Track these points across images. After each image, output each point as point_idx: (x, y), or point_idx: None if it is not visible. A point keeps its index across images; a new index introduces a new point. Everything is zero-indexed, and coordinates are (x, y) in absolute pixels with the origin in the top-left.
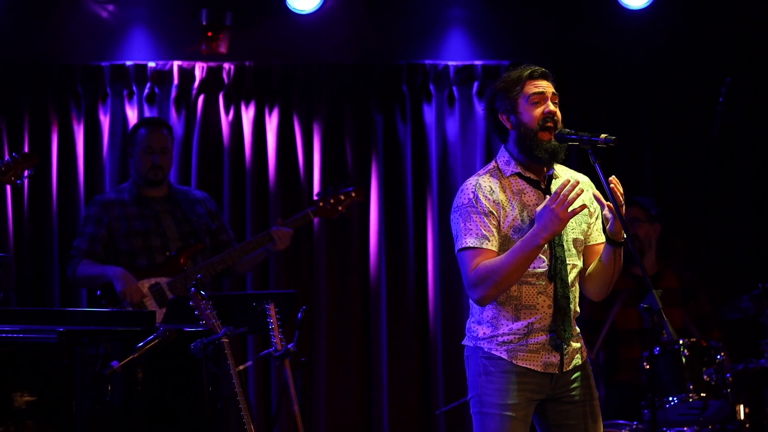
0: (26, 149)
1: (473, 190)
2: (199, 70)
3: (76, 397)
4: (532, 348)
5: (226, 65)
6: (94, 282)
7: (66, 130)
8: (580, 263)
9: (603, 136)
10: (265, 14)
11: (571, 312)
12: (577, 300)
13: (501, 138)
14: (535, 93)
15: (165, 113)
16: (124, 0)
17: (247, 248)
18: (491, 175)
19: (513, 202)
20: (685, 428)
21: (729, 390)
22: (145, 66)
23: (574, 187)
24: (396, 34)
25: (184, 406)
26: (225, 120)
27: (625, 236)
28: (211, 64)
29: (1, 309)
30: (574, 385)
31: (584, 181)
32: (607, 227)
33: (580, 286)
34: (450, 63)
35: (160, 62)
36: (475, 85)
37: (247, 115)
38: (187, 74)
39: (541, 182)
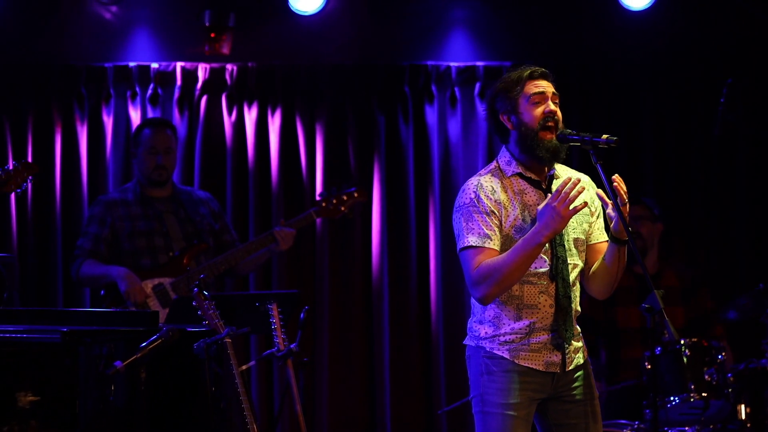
0: (30, 150)
1: (475, 189)
2: (202, 71)
3: (79, 397)
4: (533, 347)
5: (228, 66)
6: (98, 282)
7: (69, 130)
8: (581, 263)
9: (604, 136)
10: (268, 15)
11: (573, 311)
12: (579, 299)
13: (502, 138)
14: (535, 93)
15: (168, 114)
16: (128, 1)
17: (250, 248)
18: (493, 175)
19: (514, 202)
20: (687, 428)
21: (730, 390)
22: (148, 67)
23: (575, 185)
24: (398, 35)
25: (187, 406)
26: (228, 121)
27: (627, 236)
28: (214, 65)
29: (5, 309)
30: (575, 384)
31: (585, 180)
32: (611, 226)
33: (583, 285)
34: (452, 64)
35: (163, 63)
36: (477, 85)
37: (250, 116)
38: (190, 75)
39: (543, 182)
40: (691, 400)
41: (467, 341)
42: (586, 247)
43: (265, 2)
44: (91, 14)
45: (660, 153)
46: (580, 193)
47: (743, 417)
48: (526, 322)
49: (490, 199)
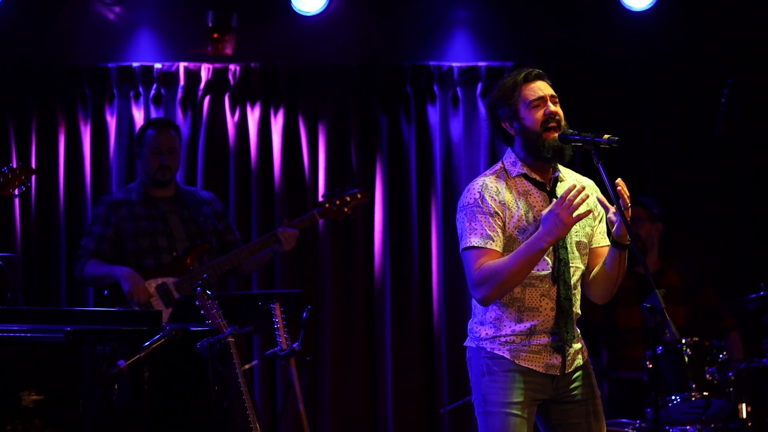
0: (33, 150)
1: (479, 190)
2: (205, 71)
3: (82, 396)
4: (533, 349)
5: (231, 66)
6: (102, 281)
7: (73, 130)
8: (582, 266)
9: (606, 136)
10: (271, 16)
11: (573, 314)
12: (579, 302)
13: (507, 144)
14: (534, 99)
15: (171, 114)
16: (131, 2)
17: (254, 249)
18: (497, 176)
19: (518, 203)
20: (688, 427)
21: (731, 389)
22: (152, 67)
23: (579, 192)
24: (400, 36)
25: (190, 405)
26: (231, 121)
27: (629, 239)
28: (217, 65)
29: (9, 308)
30: (575, 384)
31: (589, 185)
32: (612, 230)
33: (583, 289)
34: (454, 64)
35: (167, 63)
36: (479, 86)
37: (253, 116)
38: (193, 75)
39: (547, 184)
40: (693, 399)
41: (468, 343)
42: (588, 251)
43: (267, 3)
44: (94, 15)
45: (661, 153)
46: (584, 200)
47: (744, 416)
48: (527, 325)
49: (495, 200)
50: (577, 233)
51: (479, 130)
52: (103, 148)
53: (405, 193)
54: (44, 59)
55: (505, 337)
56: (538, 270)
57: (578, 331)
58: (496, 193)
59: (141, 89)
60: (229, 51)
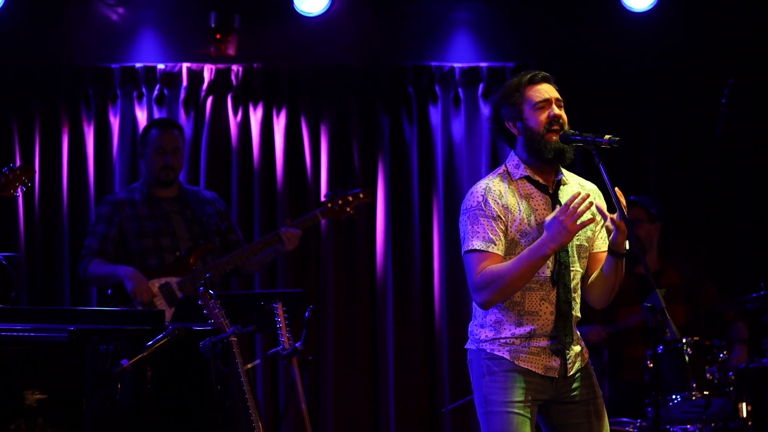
0: (37, 150)
1: (483, 193)
2: (207, 71)
3: (86, 395)
4: (533, 351)
5: (234, 67)
6: (105, 281)
7: (76, 131)
8: (582, 269)
9: (607, 137)
10: (273, 17)
11: (573, 317)
12: (579, 306)
13: (509, 144)
14: (540, 100)
15: (174, 114)
16: (134, 3)
17: (256, 249)
18: (501, 179)
19: (521, 206)
20: (689, 426)
21: (732, 388)
22: (155, 68)
23: (584, 200)
24: (402, 37)
25: (192, 404)
26: (233, 121)
27: (627, 248)
28: (220, 66)
29: (12, 308)
30: (576, 384)
31: (592, 188)
32: (610, 238)
33: (582, 293)
34: (455, 65)
35: (170, 64)
36: (481, 86)
37: (255, 117)
38: (196, 76)
39: (550, 187)
40: (693, 398)
41: (468, 345)
42: (588, 255)
43: (270, 4)
44: (97, 15)
45: (662, 153)
46: (588, 208)
47: (744, 415)
48: (527, 329)
49: (498, 203)
50: (578, 237)
51: (481, 131)
52: (106, 148)
53: (407, 193)
54: (48, 60)
55: (504, 339)
56: (538, 273)
57: (578, 334)
58: (500, 196)
59: (144, 90)
60: (231, 52)
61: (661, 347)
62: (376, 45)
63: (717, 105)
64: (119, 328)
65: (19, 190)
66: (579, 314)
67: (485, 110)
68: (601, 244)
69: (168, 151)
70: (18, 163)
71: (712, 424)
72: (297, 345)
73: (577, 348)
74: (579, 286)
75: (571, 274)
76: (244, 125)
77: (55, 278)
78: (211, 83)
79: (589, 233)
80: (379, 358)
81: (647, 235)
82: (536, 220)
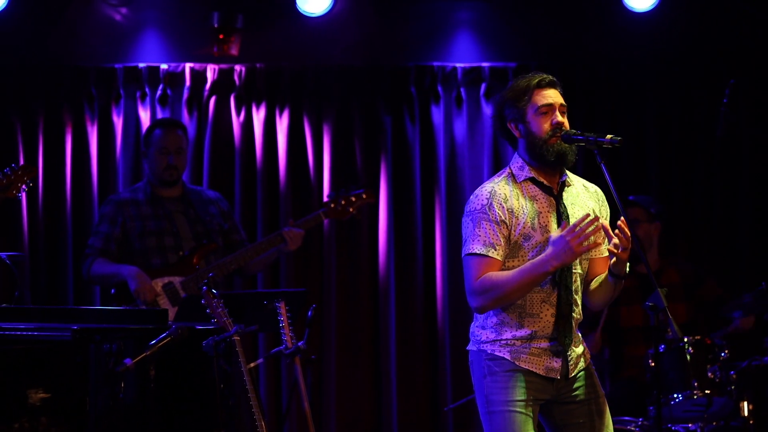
0: (40, 150)
1: (488, 196)
2: (210, 72)
3: (89, 394)
4: (534, 352)
5: (237, 67)
6: (109, 280)
7: (80, 131)
8: (583, 271)
9: (608, 136)
10: (276, 17)
11: (574, 319)
12: (580, 307)
13: (511, 145)
14: (543, 105)
15: (177, 114)
16: (137, 3)
17: (259, 248)
18: (506, 182)
19: (525, 209)
20: (690, 425)
21: (733, 387)
22: (158, 68)
23: (592, 222)
24: (404, 37)
25: (195, 403)
26: (236, 121)
27: (627, 271)
28: (223, 66)
29: (16, 307)
30: (577, 384)
31: (595, 191)
32: (610, 262)
33: (582, 296)
34: (458, 65)
35: (173, 64)
36: (483, 86)
37: (258, 117)
38: (198, 76)
39: (554, 189)
40: (695, 397)
41: (470, 347)
42: (589, 261)
43: (272, 4)
44: (100, 16)
45: (663, 153)
46: (596, 230)
47: (746, 414)
48: (528, 331)
49: (503, 207)
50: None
51: (483, 131)
52: (110, 148)
53: (409, 193)
54: (51, 60)
55: (505, 340)
56: None
57: (579, 335)
58: (504, 200)
59: (147, 90)
60: (234, 52)
61: (662, 346)
62: (378, 45)
63: (718, 105)
64: (123, 327)
65: (21, 190)
66: (580, 316)
67: (487, 110)
68: (604, 249)
69: (171, 151)
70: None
71: (714, 423)
72: (300, 344)
73: (578, 349)
74: (580, 288)
75: (573, 276)
76: (247, 125)
77: (59, 278)
78: (214, 83)
79: (591, 237)
80: (382, 357)
81: (646, 235)
82: (540, 222)
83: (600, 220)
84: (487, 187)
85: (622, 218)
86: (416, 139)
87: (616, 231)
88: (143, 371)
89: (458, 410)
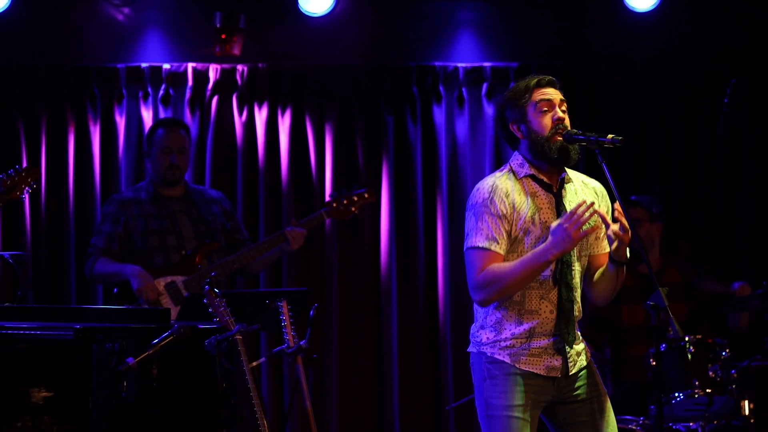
0: (43, 150)
1: (489, 190)
2: (213, 71)
3: (92, 393)
4: (534, 352)
5: (239, 67)
6: (111, 279)
7: (82, 130)
8: (582, 268)
9: (610, 136)
10: (278, 17)
11: (575, 316)
12: (580, 304)
13: (512, 147)
14: (542, 100)
15: (179, 114)
16: (140, 3)
17: (262, 248)
18: (507, 177)
19: (526, 204)
20: (691, 423)
21: (734, 386)
22: (160, 68)
23: (588, 208)
24: (406, 37)
25: (198, 401)
26: (238, 121)
27: (627, 257)
28: (225, 65)
29: (19, 306)
30: (579, 383)
31: (595, 186)
32: (611, 248)
33: (584, 291)
34: (459, 65)
35: (175, 64)
36: (484, 86)
37: (260, 116)
38: (201, 76)
39: (554, 186)
40: (696, 396)
41: (470, 348)
42: (590, 256)
43: (275, 4)
44: (103, 16)
45: (664, 153)
46: (592, 216)
47: (747, 413)
48: (527, 327)
49: (504, 202)
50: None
51: (484, 130)
52: (112, 147)
53: (411, 193)
54: (54, 60)
55: (505, 341)
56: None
57: (579, 333)
58: (506, 194)
59: (150, 89)
60: (236, 52)
61: (663, 345)
62: (380, 45)
63: (719, 105)
64: (125, 326)
65: (25, 191)
66: (580, 313)
67: (489, 110)
68: (605, 244)
69: (174, 151)
70: (24, 164)
71: (715, 422)
72: (302, 343)
73: (578, 347)
74: (579, 285)
75: (573, 272)
76: (249, 125)
77: (62, 277)
78: (216, 83)
79: (592, 221)
80: (384, 356)
81: (648, 235)
82: (540, 218)
83: (595, 206)
84: (489, 181)
85: (617, 203)
86: (418, 138)
87: (616, 214)
88: (146, 370)
89: (460, 409)
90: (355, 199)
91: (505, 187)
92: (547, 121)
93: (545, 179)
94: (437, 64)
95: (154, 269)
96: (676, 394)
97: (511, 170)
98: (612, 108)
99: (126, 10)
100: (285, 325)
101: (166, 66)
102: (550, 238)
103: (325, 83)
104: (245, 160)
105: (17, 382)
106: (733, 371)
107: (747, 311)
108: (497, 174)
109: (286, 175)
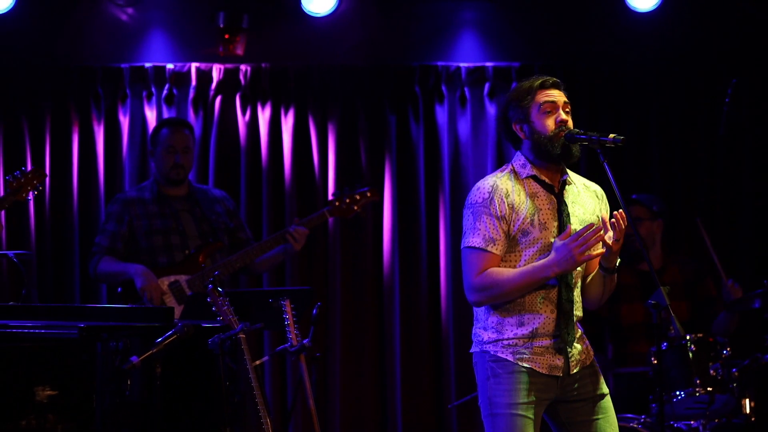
0: (47, 149)
1: (490, 190)
2: (216, 71)
3: (96, 392)
4: (536, 351)
5: (242, 67)
6: (115, 278)
7: (86, 130)
8: (582, 270)
9: (611, 135)
10: (281, 17)
11: (574, 316)
12: (580, 304)
13: (515, 147)
14: (546, 102)
15: (183, 114)
16: (143, 3)
17: (265, 246)
18: (508, 177)
19: (526, 205)
20: (692, 422)
21: (735, 384)
22: (164, 68)
23: (596, 232)
24: (408, 37)
25: (201, 400)
26: (242, 120)
27: (617, 265)
28: (228, 65)
29: (23, 305)
30: (581, 382)
31: (596, 190)
32: (603, 254)
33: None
34: (462, 65)
35: (179, 64)
36: (487, 86)
37: (264, 116)
38: (204, 75)
39: (555, 187)
40: (697, 394)
41: (473, 349)
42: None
43: (278, 4)
44: (107, 16)
45: (666, 152)
46: (599, 240)
47: (748, 411)
48: (529, 328)
49: (504, 202)
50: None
51: (487, 130)
52: (116, 147)
53: (413, 192)
54: (58, 60)
55: (507, 340)
56: None
57: (580, 331)
58: (506, 195)
59: (153, 89)
60: (240, 52)
61: (665, 344)
62: (383, 45)
63: (720, 104)
64: (129, 325)
65: (30, 194)
66: (581, 313)
67: (491, 110)
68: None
69: (178, 150)
70: (29, 164)
71: (716, 420)
72: (305, 342)
73: (580, 346)
74: (580, 285)
75: (573, 273)
76: (253, 124)
77: (66, 276)
78: (219, 83)
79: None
80: (386, 355)
81: (649, 233)
82: (539, 219)
83: (595, 210)
84: (490, 180)
85: (620, 211)
86: (420, 138)
87: (612, 220)
88: (149, 369)
89: (462, 408)
90: (358, 197)
91: (505, 188)
92: (550, 122)
93: (547, 180)
94: (439, 64)
95: (157, 268)
96: (678, 393)
97: (513, 170)
98: (613, 107)
99: (130, 10)
100: (288, 323)
101: (170, 66)
102: (553, 254)
103: (328, 83)
104: (248, 160)
105: (22, 380)
106: (734, 370)
107: (742, 310)
108: (498, 174)
109: (289, 174)
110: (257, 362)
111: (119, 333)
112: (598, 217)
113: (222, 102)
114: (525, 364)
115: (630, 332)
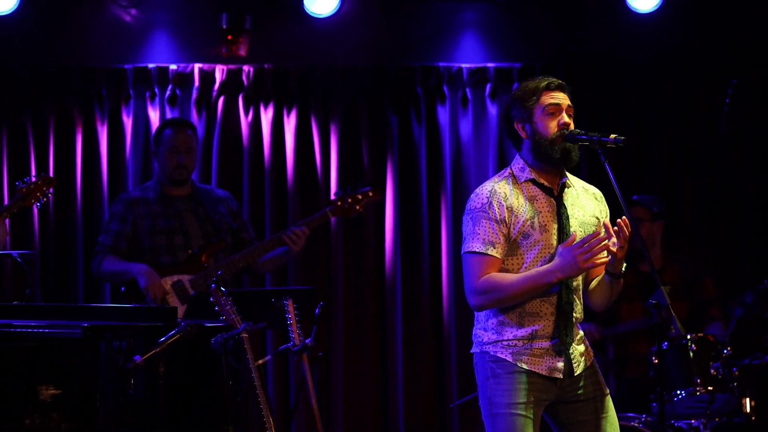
0: (51, 150)
1: (488, 195)
2: (219, 72)
3: (99, 391)
4: (536, 352)
5: (245, 67)
6: (119, 278)
7: (90, 131)
8: (583, 274)
9: (612, 136)
10: (284, 18)
11: (574, 318)
12: (581, 306)
13: (515, 146)
14: (550, 104)
15: (186, 114)
16: (147, 4)
17: (268, 246)
18: (506, 181)
19: (525, 208)
20: (693, 421)
21: (735, 384)
22: (167, 68)
23: (601, 241)
24: (410, 37)
25: (204, 399)
26: (244, 121)
27: (623, 270)
28: (231, 66)
29: (27, 305)
30: (581, 383)
31: (595, 192)
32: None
33: (583, 296)
34: (463, 65)
35: (182, 65)
36: (488, 86)
37: (266, 116)
38: (207, 76)
39: (555, 190)
40: (698, 393)
41: (473, 349)
42: None
43: (280, 5)
44: (110, 17)
45: (666, 152)
46: (604, 249)
47: (748, 410)
48: (529, 330)
49: (502, 206)
50: (581, 238)
51: (488, 130)
52: (120, 148)
53: (415, 192)
54: (61, 61)
55: (507, 341)
56: None
57: (581, 333)
58: (504, 198)
59: (156, 90)
60: (242, 52)
61: (665, 343)
62: (385, 46)
63: (720, 105)
64: (132, 324)
65: (40, 200)
66: (581, 315)
67: (492, 110)
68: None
69: (182, 151)
70: (33, 165)
71: (716, 419)
72: (307, 341)
73: (580, 348)
74: (581, 287)
75: None
76: (255, 125)
77: (69, 275)
78: (222, 83)
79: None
80: (388, 354)
81: (649, 234)
82: (539, 222)
83: (595, 213)
84: (488, 186)
85: (624, 217)
86: (422, 138)
87: (615, 228)
88: (153, 368)
89: (464, 407)
90: (360, 197)
91: (503, 192)
92: (553, 124)
93: (546, 183)
94: (441, 64)
95: (161, 268)
96: (678, 392)
97: (512, 174)
98: (614, 107)
99: (133, 11)
100: (290, 323)
101: (173, 67)
102: (556, 259)
103: (330, 84)
104: (251, 160)
105: (26, 379)
106: (734, 369)
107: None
108: (496, 179)
109: (291, 174)
110: (260, 362)
111: (123, 332)
112: (597, 218)
113: (225, 102)
114: (524, 365)
115: (631, 332)
